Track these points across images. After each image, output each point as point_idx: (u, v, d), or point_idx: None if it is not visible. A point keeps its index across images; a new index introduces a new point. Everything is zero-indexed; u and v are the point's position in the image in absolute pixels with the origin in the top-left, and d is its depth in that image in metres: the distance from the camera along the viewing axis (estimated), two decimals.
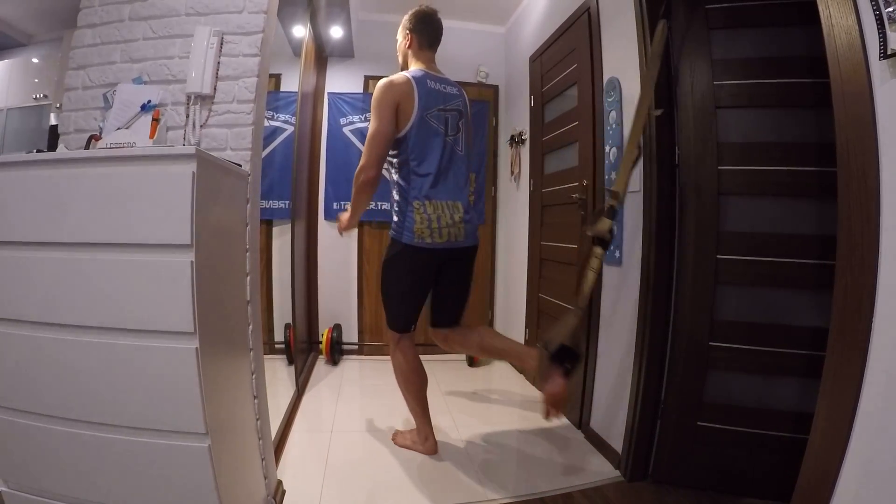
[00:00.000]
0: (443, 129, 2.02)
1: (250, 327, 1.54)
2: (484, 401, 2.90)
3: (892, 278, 1.03)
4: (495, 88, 3.96)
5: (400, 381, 2.18)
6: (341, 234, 2.30)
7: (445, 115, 2.04)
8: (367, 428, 2.50)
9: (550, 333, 1.87)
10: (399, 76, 1.99)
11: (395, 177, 2.04)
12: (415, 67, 2.08)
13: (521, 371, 2.01)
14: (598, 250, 1.82)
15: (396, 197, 2.03)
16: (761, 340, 1.79)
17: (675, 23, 1.93)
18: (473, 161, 2.16)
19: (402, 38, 2.16)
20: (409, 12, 2.14)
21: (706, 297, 1.85)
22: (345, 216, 2.19)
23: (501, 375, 3.43)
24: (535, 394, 3.00)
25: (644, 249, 1.97)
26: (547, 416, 1.84)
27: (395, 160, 2.02)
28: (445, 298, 2.17)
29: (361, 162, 1.96)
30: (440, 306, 2.18)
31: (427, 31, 2.13)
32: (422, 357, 2.20)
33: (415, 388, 2.17)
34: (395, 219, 2.02)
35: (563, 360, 1.81)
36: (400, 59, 2.20)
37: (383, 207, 3.63)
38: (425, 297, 2.14)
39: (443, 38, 3.88)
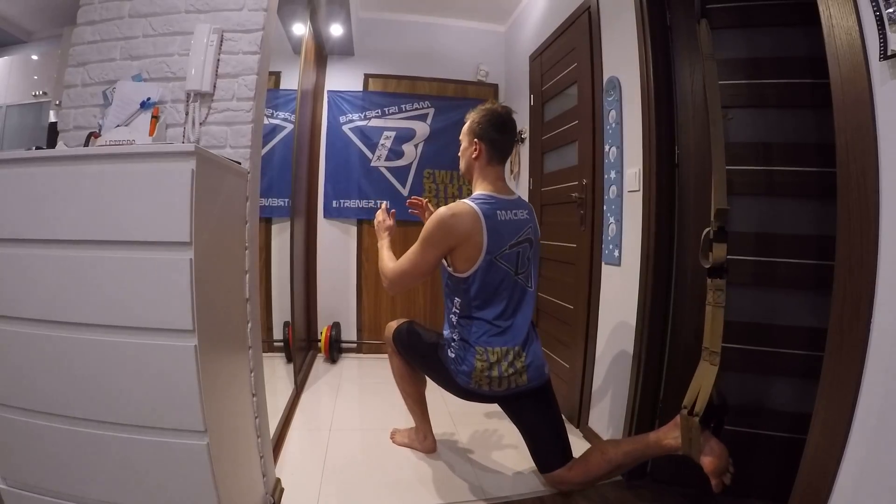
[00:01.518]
0: (513, 270, 1.76)
1: (249, 325, 1.54)
2: None
3: (891, 279, 1.03)
4: (495, 87, 3.95)
5: (398, 382, 2.18)
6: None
7: (517, 249, 1.77)
8: (365, 426, 2.50)
9: (689, 395, 1.59)
10: (465, 210, 1.70)
11: (455, 314, 1.81)
12: (481, 189, 1.82)
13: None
14: (718, 282, 1.53)
15: (455, 336, 1.81)
16: (760, 340, 1.79)
17: (675, 23, 1.93)
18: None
19: (467, 143, 1.86)
20: (479, 110, 1.85)
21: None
22: (380, 221, 2.01)
23: None
24: None
25: (644, 249, 1.97)
26: (718, 489, 1.51)
27: (455, 298, 1.80)
28: (537, 440, 1.87)
29: (388, 278, 1.81)
30: (537, 449, 1.87)
31: (502, 141, 1.83)
32: None
33: (413, 388, 2.16)
34: (451, 356, 1.80)
35: (710, 420, 1.55)
36: (462, 166, 1.92)
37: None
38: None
39: (443, 37, 3.86)
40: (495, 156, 1.83)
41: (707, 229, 1.56)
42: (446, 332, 1.87)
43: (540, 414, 1.85)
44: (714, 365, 1.52)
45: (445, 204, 1.79)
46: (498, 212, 1.74)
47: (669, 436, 1.63)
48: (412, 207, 2.17)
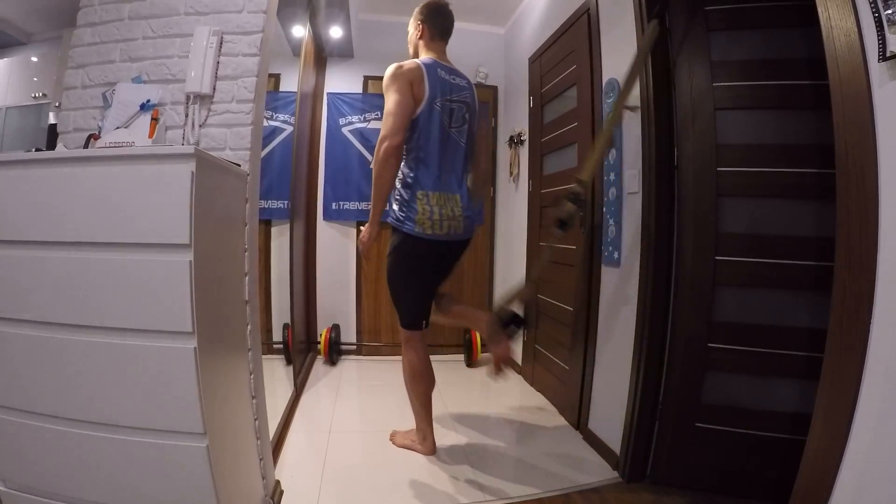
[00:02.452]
0: (447, 120, 2.02)
1: (249, 327, 1.54)
2: (482, 401, 2.90)
3: (890, 280, 1.03)
4: (494, 89, 3.96)
5: (408, 380, 2.18)
6: (366, 256, 2.21)
7: (452, 105, 2.03)
8: (365, 428, 2.50)
9: (501, 303, 2.06)
10: (409, 62, 1.99)
11: (401, 165, 2.03)
12: (425, 57, 2.08)
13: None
14: (557, 231, 1.95)
15: (399, 186, 2.02)
16: (760, 342, 1.79)
17: (674, 24, 1.93)
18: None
19: (413, 28, 2.16)
20: (421, 4, 2.15)
21: (705, 298, 1.85)
22: (365, 233, 2.11)
23: None
24: (535, 395, 3.00)
25: (643, 251, 1.97)
26: (495, 373, 2.08)
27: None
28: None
29: (382, 132, 1.92)
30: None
31: (439, 21, 2.13)
32: (433, 358, 2.21)
33: (422, 388, 2.16)
34: (396, 207, 2.02)
35: (506, 323, 2.01)
36: (410, 51, 2.20)
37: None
38: (432, 289, 2.15)
39: None
40: (436, 33, 2.12)
41: (569, 190, 1.92)
42: (391, 195, 2.08)
43: (447, 271, 2.22)
44: (528, 288, 2.17)
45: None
46: (438, 70, 2.01)
47: (484, 321, 2.15)
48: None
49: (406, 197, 1.99)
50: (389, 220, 2.05)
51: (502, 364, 2.08)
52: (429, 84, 1.96)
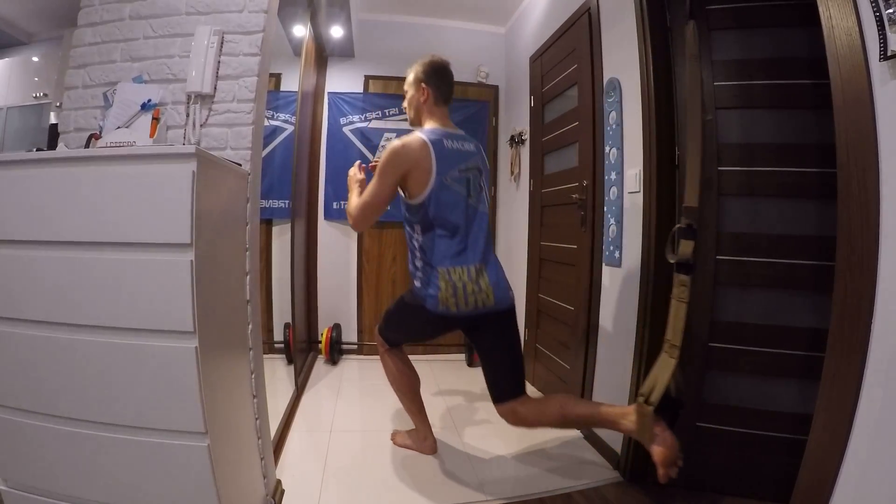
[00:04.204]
0: (464, 192, 1.88)
1: (250, 326, 1.54)
2: (483, 400, 2.89)
3: (891, 280, 1.03)
4: (495, 88, 3.95)
5: (391, 382, 2.19)
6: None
7: (466, 175, 1.89)
8: (366, 427, 2.50)
9: (647, 384, 1.63)
10: (414, 139, 1.83)
11: (418, 241, 1.89)
12: (430, 125, 1.94)
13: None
14: (682, 277, 1.60)
15: (419, 263, 1.89)
16: (761, 341, 1.79)
17: (675, 24, 1.93)
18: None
19: (414, 90, 2.00)
20: (421, 62, 2.01)
21: (706, 297, 1.85)
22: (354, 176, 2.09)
23: None
24: (536, 394, 3.00)
25: (644, 250, 1.97)
26: (664, 479, 1.56)
27: (416, 225, 1.88)
28: (495, 367, 1.92)
29: (353, 215, 1.90)
30: (494, 377, 1.92)
31: (444, 84, 1.99)
32: (422, 356, 2.20)
33: (406, 388, 2.17)
34: (418, 284, 1.89)
35: (666, 411, 1.61)
36: (411, 114, 2.05)
37: None
38: (428, 338, 2.11)
39: (443, 38, 3.89)
40: (440, 96, 1.98)
41: (677, 226, 1.62)
42: (410, 267, 1.97)
43: (501, 340, 1.92)
44: (673, 358, 1.58)
45: None
46: (445, 140, 1.87)
47: (626, 417, 1.68)
48: (374, 169, 2.21)
49: (427, 274, 1.85)
50: (414, 290, 1.93)
51: (673, 462, 1.57)
52: (436, 161, 1.81)
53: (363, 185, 2.07)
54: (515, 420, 1.89)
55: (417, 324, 1.99)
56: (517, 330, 1.97)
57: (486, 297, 1.82)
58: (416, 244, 1.90)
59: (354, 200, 1.96)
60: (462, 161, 1.90)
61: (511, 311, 1.94)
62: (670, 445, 1.56)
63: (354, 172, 2.11)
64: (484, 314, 1.84)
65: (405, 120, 3.76)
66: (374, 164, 2.16)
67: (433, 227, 1.84)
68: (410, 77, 2.02)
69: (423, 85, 1.97)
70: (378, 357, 2.23)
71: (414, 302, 1.91)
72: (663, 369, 1.60)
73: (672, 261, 1.63)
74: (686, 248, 1.59)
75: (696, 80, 1.71)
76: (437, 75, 1.98)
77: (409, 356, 2.21)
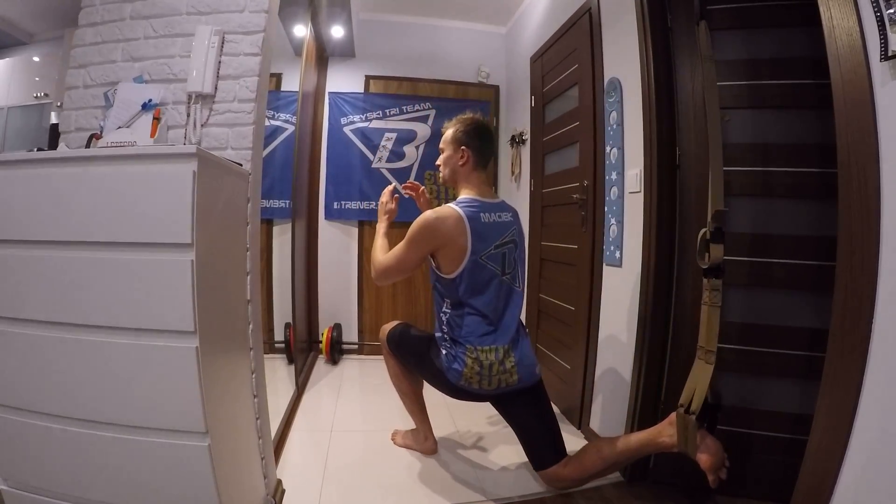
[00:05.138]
0: (499, 270, 1.80)
1: (250, 326, 1.54)
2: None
3: (892, 280, 1.03)
4: (496, 89, 3.95)
5: (394, 382, 2.19)
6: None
7: (502, 250, 1.81)
8: (366, 427, 2.50)
9: (685, 393, 1.61)
10: (449, 214, 1.74)
11: (446, 314, 1.84)
12: (466, 193, 1.86)
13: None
14: (714, 282, 1.56)
15: (446, 336, 1.84)
16: (761, 341, 1.79)
17: (676, 24, 1.93)
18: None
19: (452, 151, 1.90)
20: (463, 121, 1.90)
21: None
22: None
23: None
24: None
25: (644, 250, 1.97)
26: (715, 484, 1.54)
27: (445, 298, 1.83)
28: (530, 436, 1.88)
29: (375, 268, 1.86)
30: (531, 446, 1.88)
31: (486, 148, 1.89)
32: None
33: (409, 389, 2.16)
34: (444, 353, 1.83)
35: (705, 418, 1.59)
36: (446, 173, 1.94)
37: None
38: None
39: (444, 38, 3.88)
40: (480, 162, 1.88)
41: (704, 230, 1.59)
42: (437, 333, 1.91)
43: (531, 411, 1.87)
44: (710, 364, 1.55)
45: (447, 203, 1.84)
46: (482, 214, 1.78)
47: (665, 433, 1.65)
48: (408, 191, 2.18)
49: (452, 347, 1.80)
50: (439, 352, 1.86)
51: (720, 468, 1.55)
52: (472, 238, 1.73)
53: (392, 216, 2.03)
54: (561, 483, 1.84)
55: (435, 379, 1.94)
56: (547, 398, 1.91)
57: (510, 377, 1.78)
58: (443, 318, 1.85)
59: (380, 247, 1.91)
60: (499, 235, 1.81)
61: (539, 384, 1.89)
62: (715, 451, 1.54)
63: (387, 200, 2.05)
64: (508, 392, 1.81)
65: (406, 120, 3.78)
66: (407, 186, 2.11)
67: (460, 305, 1.78)
68: (449, 135, 1.92)
69: (464, 147, 1.86)
70: (380, 357, 2.22)
71: (438, 364, 1.86)
72: (701, 376, 1.56)
73: (704, 266, 1.58)
74: (717, 252, 1.55)
75: (712, 81, 1.66)
76: (480, 138, 1.88)
77: None
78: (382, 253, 1.90)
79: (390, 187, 2.09)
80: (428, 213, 1.75)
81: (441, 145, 1.96)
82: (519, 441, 1.91)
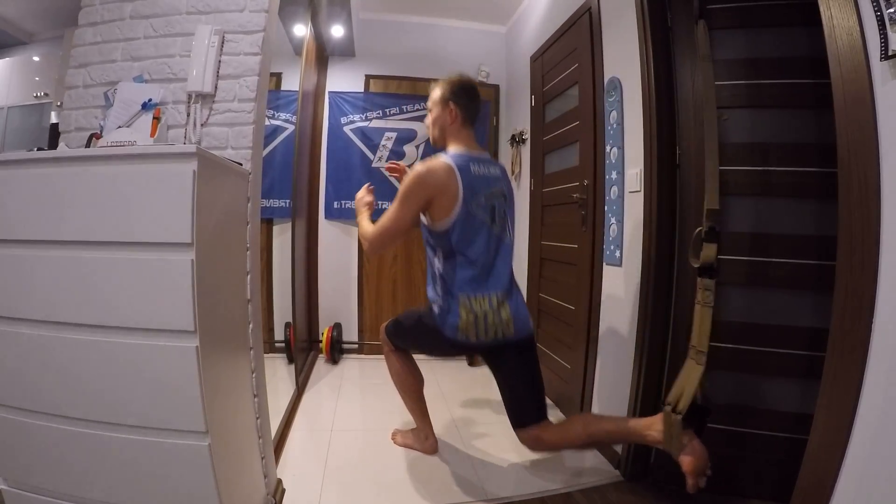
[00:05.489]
0: (489, 220, 1.83)
1: (250, 326, 1.54)
2: (484, 400, 2.89)
3: (892, 278, 1.02)
4: (496, 88, 3.95)
5: (395, 382, 2.19)
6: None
7: (492, 201, 1.85)
8: (367, 427, 2.50)
9: (673, 392, 1.61)
10: (439, 164, 1.77)
11: (439, 267, 1.86)
12: (455, 149, 1.88)
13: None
14: (707, 282, 1.58)
15: (440, 290, 1.86)
16: (762, 341, 1.79)
17: (676, 23, 1.93)
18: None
19: (440, 109, 1.93)
20: (448, 81, 1.94)
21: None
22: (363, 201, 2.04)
23: None
24: None
25: (644, 249, 1.97)
26: (693, 489, 1.52)
27: (438, 250, 1.85)
28: (516, 395, 1.90)
29: (368, 239, 1.86)
30: (514, 404, 1.89)
31: (472, 105, 1.93)
32: (423, 356, 2.19)
33: (410, 388, 2.17)
34: (437, 311, 1.85)
35: (693, 418, 1.57)
36: (435, 133, 1.97)
37: (384, 207, 3.63)
38: (440, 357, 2.05)
39: (444, 38, 3.89)
40: (468, 118, 1.92)
41: (698, 229, 1.59)
42: (430, 292, 1.93)
43: (520, 367, 1.89)
44: (700, 364, 1.55)
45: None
46: (471, 165, 1.81)
47: (653, 428, 1.64)
48: (392, 172, 2.21)
49: (447, 301, 1.82)
50: (433, 313, 1.88)
51: (703, 472, 1.53)
52: (463, 187, 1.76)
53: (371, 207, 2.04)
54: (538, 445, 1.86)
55: (432, 344, 1.97)
56: (537, 358, 1.93)
57: (507, 328, 1.79)
58: (437, 271, 1.87)
59: (366, 224, 1.92)
60: (488, 187, 1.84)
61: (531, 338, 1.91)
62: (699, 455, 1.52)
63: (363, 195, 2.07)
64: (504, 344, 1.82)
65: (406, 119, 3.78)
66: (391, 168, 2.12)
67: (455, 254, 1.79)
68: (436, 95, 1.95)
69: (452, 105, 1.89)
70: (380, 356, 2.22)
71: (432, 324, 1.86)
72: (690, 376, 1.57)
73: (696, 265, 1.60)
74: (710, 251, 1.56)
75: (710, 80, 1.67)
76: (466, 95, 1.91)
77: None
78: (370, 227, 1.91)
79: (366, 186, 2.11)
80: (418, 167, 1.77)
81: (428, 104, 2.00)
82: (503, 398, 1.93)
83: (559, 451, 1.90)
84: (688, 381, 1.57)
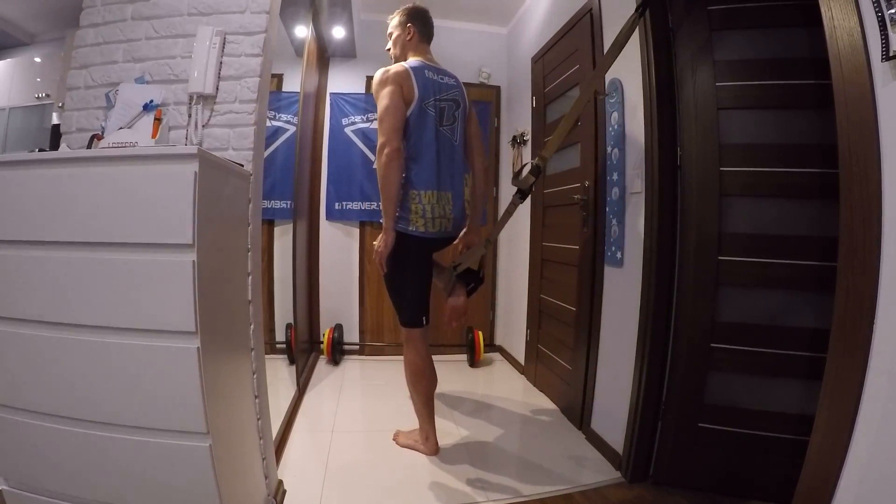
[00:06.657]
0: (438, 119, 2.07)
1: (251, 327, 1.54)
2: (485, 401, 2.90)
3: (893, 280, 1.02)
4: (497, 89, 3.96)
5: (409, 380, 2.18)
6: (382, 266, 2.05)
7: (442, 104, 2.08)
8: (368, 428, 2.50)
9: (461, 258, 2.12)
10: (396, 66, 2.03)
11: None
12: (413, 59, 2.12)
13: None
14: (516, 198, 2.04)
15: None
16: (763, 342, 1.78)
17: (676, 24, 1.93)
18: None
19: (399, 30, 2.20)
20: (404, 8, 2.22)
21: (707, 298, 1.85)
22: (381, 243, 2.01)
23: (503, 376, 3.45)
24: (538, 395, 3.01)
25: (646, 251, 1.96)
26: (449, 324, 2.13)
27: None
28: (425, 293, 2.15)
29: (380, 140, 1.96)
30: (419, 302, 2.13)
31: (426, 25, 2.21)
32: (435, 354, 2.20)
33: (424, 387, 2.16)
34: (399, 220, 2.02)
35: (467, 281, 2.12)
36: (396, 52, 2.23)
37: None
38: (428, 285, 2.14)
39: (445, 38, 3.89)
40: (424, 36, 2.21)
41: (531, 161, 2.08)
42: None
43: (430, 276, 2.17)
44: (485, 249, 2.10)
45: None
46: (426, 71, 2.07)
47: (442, 277, 2.14)
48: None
49: (404, 206, 2.01)
50: (383, 220, 2.02)
51: (458, 316, 2.11)
52: (417, 86, 2.01)
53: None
54: (404, 349, 2.18)
55: (401, 264, 2.06)
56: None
57: (447, 224, 2.09)
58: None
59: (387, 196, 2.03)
60: (440, 91, 2.09)
61: (454, 240, 2.22)
62: (461, 303, 2.12)
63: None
64: (446, 239, 2.15)
65: None
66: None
67: (405, 150, 1.99)
68: (396, 20, 2.23)
69: (409, 24, 2.18)
70: (381, 357, 2.25)
71: (398, 246, 2.02)
72: (476, 253, 2.11)
73: (515, 185, 2.06)
74: (528, 180, 2.03)
75: (606, 65, 2.03)
76: (421, 17, 2.20)
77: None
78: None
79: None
80: (379, 71, 2.03)
81: (389, 30, 2.26)
82: (394, 298, 2.16)
83: (406, 365, 2.18)
84: (472, 255, 2.10)
